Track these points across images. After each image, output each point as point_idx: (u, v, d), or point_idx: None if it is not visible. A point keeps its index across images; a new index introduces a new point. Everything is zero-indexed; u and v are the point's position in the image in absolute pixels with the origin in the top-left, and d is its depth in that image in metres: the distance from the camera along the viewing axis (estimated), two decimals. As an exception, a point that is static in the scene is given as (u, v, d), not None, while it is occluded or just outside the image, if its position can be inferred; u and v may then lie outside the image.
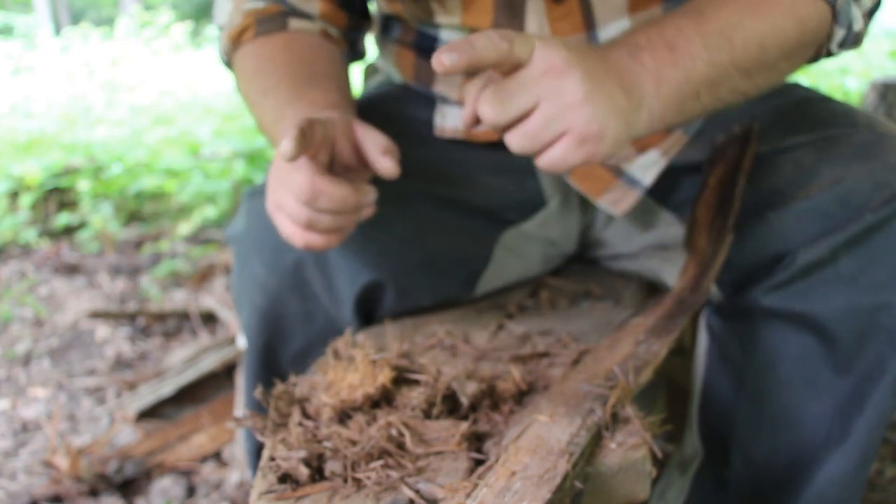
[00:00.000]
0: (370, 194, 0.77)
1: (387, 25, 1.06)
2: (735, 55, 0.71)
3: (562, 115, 0.63)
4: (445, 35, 0.95)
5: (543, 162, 0.66)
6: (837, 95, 3.01)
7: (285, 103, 0.84)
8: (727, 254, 0.84)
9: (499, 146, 0.92)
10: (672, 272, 0.97)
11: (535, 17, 0.88)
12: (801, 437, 0.86)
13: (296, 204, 0.74)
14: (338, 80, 0.91)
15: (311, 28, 0.95)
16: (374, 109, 1.01)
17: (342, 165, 0.79)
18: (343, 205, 0.74)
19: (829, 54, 0.81)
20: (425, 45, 0.98)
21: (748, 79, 0.74)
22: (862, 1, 0.79)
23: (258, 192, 0.94)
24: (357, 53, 1.04)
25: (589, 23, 0.88)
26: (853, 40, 0.80)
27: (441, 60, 0.61)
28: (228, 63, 0.99)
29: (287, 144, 0.68)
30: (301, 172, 0.73)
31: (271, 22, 0.93)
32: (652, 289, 1.04)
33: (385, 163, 0.77)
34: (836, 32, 0.78)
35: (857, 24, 0.79)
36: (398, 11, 0.97)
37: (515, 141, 0.65)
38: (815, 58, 0.82)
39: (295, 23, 0.94)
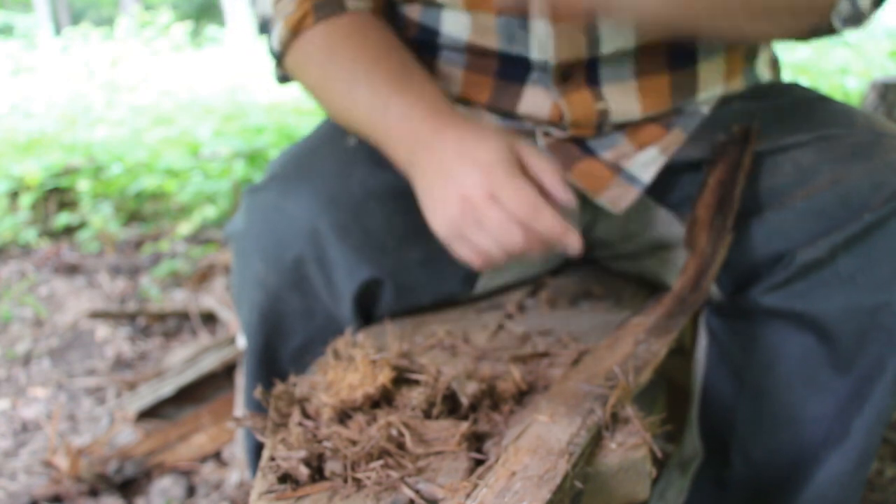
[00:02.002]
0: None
1: (388, 21, 1.05)
2: None
3: None
4: (447, 25, 0.95)
5: None
6: (837, 95, 3.01)
7: (387, 94, 0.83)
8: (727, 253, 0.84)
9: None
10: (672, 272, 0.97)
11: None
12: (801, 436, 0.86)
13: (511, 225, 0.74)
14: (420, 66, 0.90)
15: (366, 6, 0.94)
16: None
17: None
18: (554, 232, 0.76)
19: (832, 31, 0.81)
20: (426, 41, 0.98)
21: (749, 18, 0.75)
22: None
23: (258, 190, 0.94)
24: None
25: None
26: (856, 18, 0.79)
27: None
28: (282, 54, 0.95)
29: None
30: (526, 189, 0.74)
31: (330, 6, 0.91)
32: (652, 289, 1.04)
33: (567, 196, 0.78)
34: (840, 3, 0.77)
35: (863, 2, 0.78)
36: None
37: None
38: (816, 30, 0.81)
39: (352, 2, 0.93)
